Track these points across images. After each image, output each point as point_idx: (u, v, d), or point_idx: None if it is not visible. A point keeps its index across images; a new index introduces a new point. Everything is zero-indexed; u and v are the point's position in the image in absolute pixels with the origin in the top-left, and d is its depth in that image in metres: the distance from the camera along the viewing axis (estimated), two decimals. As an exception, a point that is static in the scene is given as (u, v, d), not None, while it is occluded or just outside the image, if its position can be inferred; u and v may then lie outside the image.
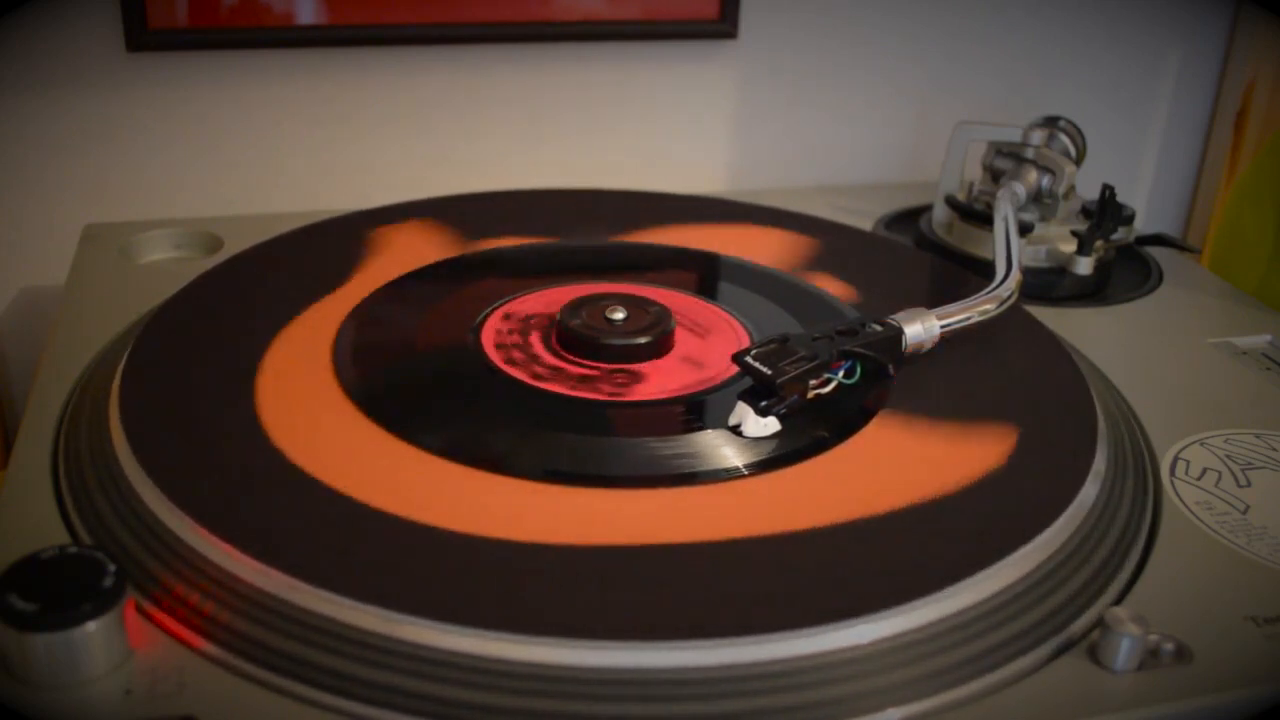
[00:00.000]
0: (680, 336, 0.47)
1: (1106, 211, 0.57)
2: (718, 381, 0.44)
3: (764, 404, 0.41)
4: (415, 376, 0.44)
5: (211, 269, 0.52)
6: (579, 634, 0.31)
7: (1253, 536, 0.39)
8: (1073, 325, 0.54)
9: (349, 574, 0.33)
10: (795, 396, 0.41)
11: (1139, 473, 0.42)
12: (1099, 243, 0.57)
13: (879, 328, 0.44)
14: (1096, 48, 0.80)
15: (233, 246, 0.57)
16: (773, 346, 0.42)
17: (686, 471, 0.39)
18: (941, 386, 0.45)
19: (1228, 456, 0.44)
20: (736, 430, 0.41)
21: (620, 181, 0.73)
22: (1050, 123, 0.62)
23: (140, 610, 0.33)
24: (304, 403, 0.42)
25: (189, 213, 0.65)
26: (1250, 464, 0.44)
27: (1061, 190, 0.59)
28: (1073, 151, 0.61)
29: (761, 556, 0.35)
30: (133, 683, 0.31)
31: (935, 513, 0.38)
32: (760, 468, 0.39)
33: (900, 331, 0.45)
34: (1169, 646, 0.34)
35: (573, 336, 0.46)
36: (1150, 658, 0.33)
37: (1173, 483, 0.42)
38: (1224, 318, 0.56)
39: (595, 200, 0.63)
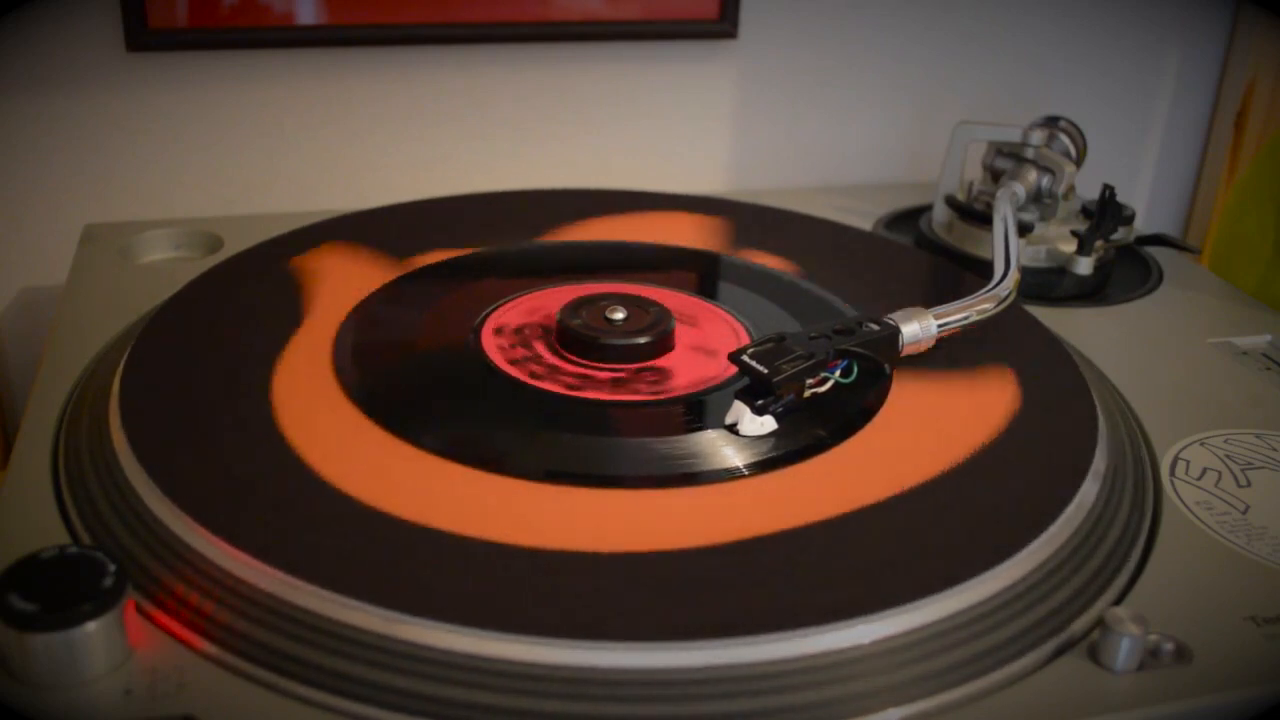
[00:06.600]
0: (680, 335, 0.47)
1: (1106, 211, 0.57)
2: (719, 381, 0.45)
3: (760, 403, 0.41)
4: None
5: (211, 269, 0.52)
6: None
7: (1253, 536, 0.39)
8: (1073, 325, 0.54)
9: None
10: (791, 395, 0.41)
11: (1139, 472, 0.42)
12: (1099, 243, 0.57)
13: (876, 327, 0.44)
14: (1096, 48, 0.80)
15: (233, 246, 0.57)
16: (769, 345, 0.42)
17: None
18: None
19: (1228, 456, 0.44)
20: (733, 429, 0.41)
21: (620, 181, 0.73)
22: (1050, 123, 0.62)
23: (140, 610, 0.33)
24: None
25: (189, 213, 0.65)
26: (1250, 464, 0.44)
27: (1061, 190, 0.59)
28: (1073, 151, 0.61)
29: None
30: (133, 683, 0.31)
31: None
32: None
33: (897, 331, 0.44)
34: (1169, 646, 0.34)
35: (573, 336, 0.46)
36: (1150, 658, 0.33)
37: (1173, 482, 0.42)
38: (1224, 318, 0.56)
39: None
